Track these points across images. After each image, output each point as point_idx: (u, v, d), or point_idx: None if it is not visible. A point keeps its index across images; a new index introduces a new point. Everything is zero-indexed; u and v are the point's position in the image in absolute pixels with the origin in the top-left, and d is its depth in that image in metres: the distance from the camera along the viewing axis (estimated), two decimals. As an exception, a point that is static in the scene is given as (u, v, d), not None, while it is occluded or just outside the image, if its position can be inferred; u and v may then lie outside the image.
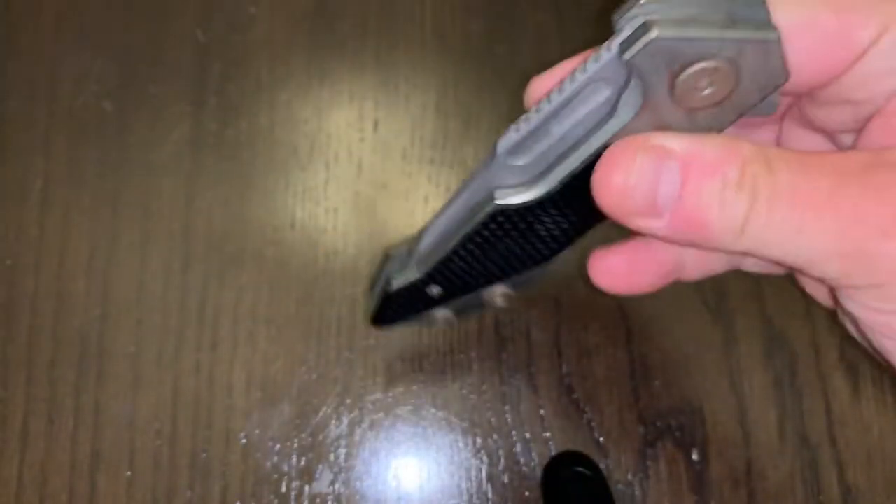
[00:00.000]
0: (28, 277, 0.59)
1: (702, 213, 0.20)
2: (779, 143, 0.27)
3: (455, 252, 0.25)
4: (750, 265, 0.28)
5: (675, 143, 0.20)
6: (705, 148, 0.20)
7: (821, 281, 0.20)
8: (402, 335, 0.58)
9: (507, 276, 0.27)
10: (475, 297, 0.29)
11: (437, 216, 0.27)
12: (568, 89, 0.22)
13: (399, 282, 0.31)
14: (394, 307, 0.32)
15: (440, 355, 0.58)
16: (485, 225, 0.24)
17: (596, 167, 0.20)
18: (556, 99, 0.22)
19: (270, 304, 0.59)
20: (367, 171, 0.62)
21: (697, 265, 0.28)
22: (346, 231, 0.61)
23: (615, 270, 0.25)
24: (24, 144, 0.62)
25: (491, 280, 0.27)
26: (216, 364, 0.58)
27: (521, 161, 0.23)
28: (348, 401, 0.58)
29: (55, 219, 0.60)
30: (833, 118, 0.23)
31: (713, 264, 0.28)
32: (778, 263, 0.21)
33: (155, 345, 0.58)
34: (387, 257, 0.33)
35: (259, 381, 0.58)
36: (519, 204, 0.23)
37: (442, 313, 0.32)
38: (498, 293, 0.29)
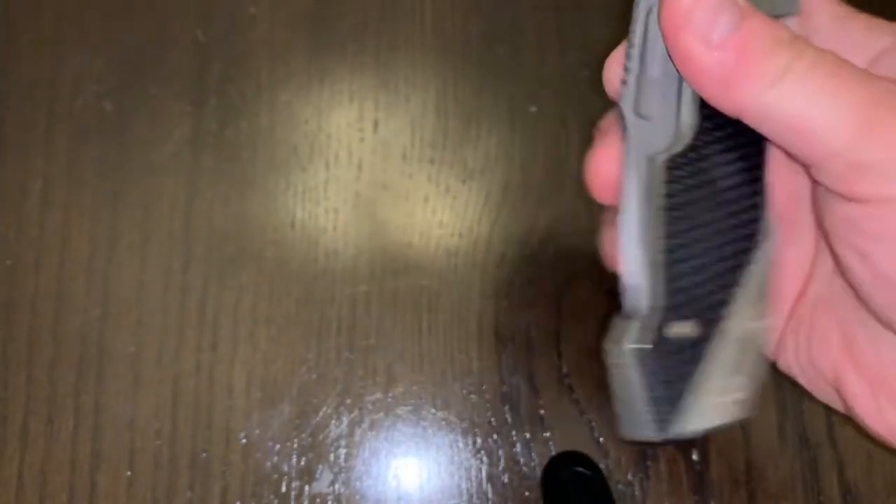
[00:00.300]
0: (28, 277, 0.59)
1: (750, 50, 0.21)
2: None
3: (668, 242, 0.22)
4: None
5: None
6: (761, 14, 0.22)
7: (814, 171, 0.21)
8: (401, 335, 0.59)
9: (737, 266, 0.23)
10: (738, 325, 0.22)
11: (622, 231, 0.23)
12: (637, 29, 0.23)
13: (634, 340, 0.22)
14: (657, 385, 0.22)
15: (440, 355, 0.58)
16: (669, 193, 0.23)
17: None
18: (636, 43, 0.23)
19: (270, 304, 0.59)
20: (368, 172, 0.62)
21: None
22: (346, 231, 0.61)
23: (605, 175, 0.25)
24: (24, 145, 0.62)
25: (727, 280, 0.23)
26: (216, 364, 0.58)
27: (652, 116, 0.23)
28: (348, 401, 0.58)
29: (55, 219, 0.61)
30: None
31: None
32: (784, 133, 0.22)
33: (155, 345, 0.58)
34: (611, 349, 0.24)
35: (259, 381, 0.58)
36: (681, 152, 0.22)
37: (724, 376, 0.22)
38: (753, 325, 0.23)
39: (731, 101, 0.22)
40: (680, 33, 0.22)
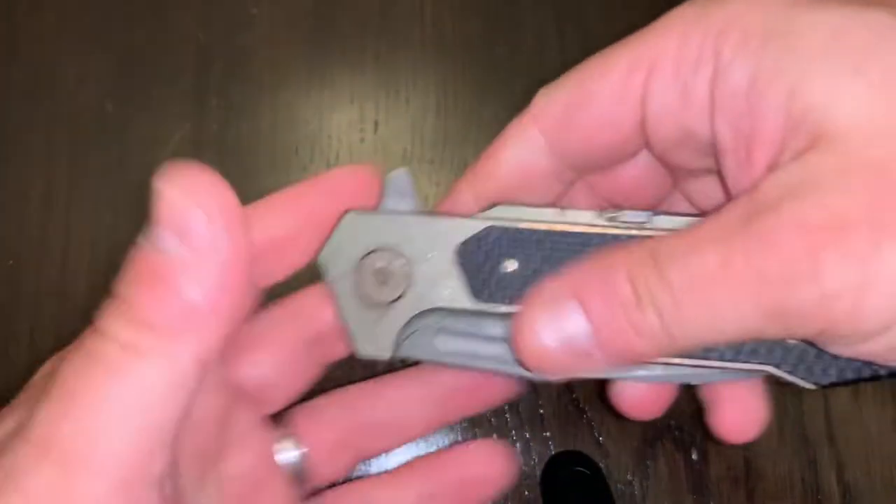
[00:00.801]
0: (30, 277, 0.60)
1: (622, 340, 0.19)
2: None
3: None
4: None
5: (562, 281, 0.20)
6: (589, 273, 0.20)
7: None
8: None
9: None
10: None
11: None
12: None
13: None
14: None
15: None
16: None
17: (512, 338, 0.21)
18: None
19: (271, 304, 0.59)
20: (368, 172, 0.62)
21: None
22: (346, 231, 0.61)
23: (642, 399, 0.25)
24: (25, 145, 0.62)
25: None
26: (217, 364, 0.58)
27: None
28: (349, 400, 0.58)
29: (57, 219, 0.61)
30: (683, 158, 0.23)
31: None
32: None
33: (156, 345, 0.58)
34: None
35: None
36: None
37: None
38: None
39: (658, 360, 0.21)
40: (567, 374, 0.21)
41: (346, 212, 0.23)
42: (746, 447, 0.58)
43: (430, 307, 0.23)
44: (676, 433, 0.58)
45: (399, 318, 0.23)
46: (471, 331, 0.24)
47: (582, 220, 0.22)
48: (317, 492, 0.25)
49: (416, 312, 0.23)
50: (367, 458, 0.25)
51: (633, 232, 0.22)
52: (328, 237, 0.23)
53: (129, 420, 0.17)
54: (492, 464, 0.25)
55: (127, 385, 0.17)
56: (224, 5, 0.65)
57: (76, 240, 0.61)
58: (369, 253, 0.23)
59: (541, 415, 0.58)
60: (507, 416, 0.58)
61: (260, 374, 0.23)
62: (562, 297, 0.20)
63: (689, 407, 0.59)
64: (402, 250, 0.23)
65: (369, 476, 0.25)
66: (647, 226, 0.22)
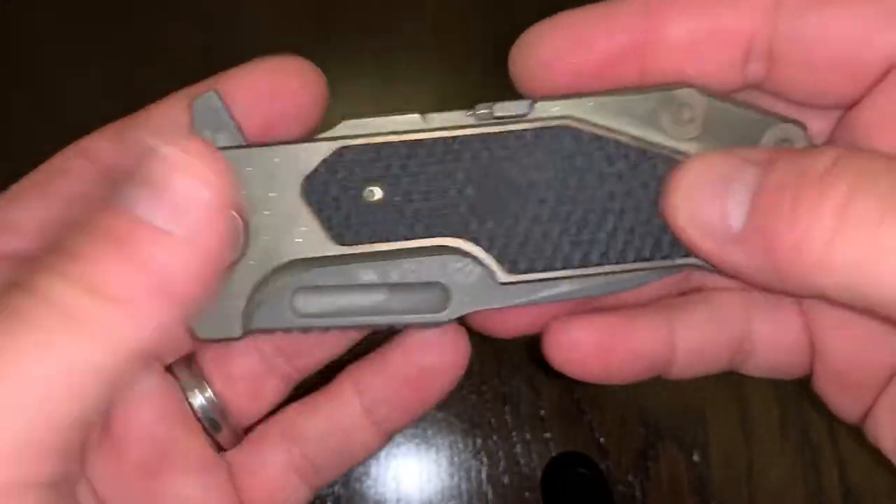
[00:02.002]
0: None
1: (773, 229, 0.16)
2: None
3: None
4: (752, 368, 0.22)
5: (754, 150, 0.17)
6: (789, 152, 0.16)
7: None
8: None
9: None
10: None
11: None
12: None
13: None
14: None
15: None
16: None
17: (665, 186, 0.18)
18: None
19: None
20: (367, 172, 0.62)
21: (689, 363, 0.21)
22: (346, 231, 0.61)
23: (580, 350, 0.20)
24: (25, 145, 0.61)
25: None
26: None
27: None
28: (348, 401, 0.58)
29: (55, 219, 0.60)
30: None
31: (709, 364, 0.22)
32: (855, 307, 0.16)
33: (155, 345, 0.58)
34: None
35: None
36: None
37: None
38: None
39: (797, 287, 0.16)
40: (685, 235, 0.17)
41: None
42: (749, 448, 0.58)
43: (280, 264, 0.18)
44: (678, 434, 0.58)
45: (242, 285, 0.18)
46: (338, 283, 0.20)
47: (450, 122, 0.19)
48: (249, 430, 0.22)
49: (264, 274, 0.18)
50: (297, 380, 0.22)
51: (511, 128, 0.18)
52: None
53: (40, 406, 0.14)
54: (441, 350, 0.21)
55: (51, 362, 0.14)
56: (223, 5, 0.65)
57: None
58: None
59: (541, 416, 0.58)
60: (508, 416, 0.58)
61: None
62: (750, 154, 0.17)
63: (690, 407, 0.59)
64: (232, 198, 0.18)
65: (299, 401, 0.22)
66: (530, 116, 0.19)
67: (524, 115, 0.19)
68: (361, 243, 0.18)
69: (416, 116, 0.19)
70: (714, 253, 0.17)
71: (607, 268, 0.19)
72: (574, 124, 0.18)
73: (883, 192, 0.14)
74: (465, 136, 0.19)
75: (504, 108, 0.19)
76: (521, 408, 0.58)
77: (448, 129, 0.19)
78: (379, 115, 0.19)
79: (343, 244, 0.18)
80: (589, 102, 0.18)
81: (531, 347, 0.60)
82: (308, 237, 0.18)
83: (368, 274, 0.20)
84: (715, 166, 0.17)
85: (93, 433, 0.19)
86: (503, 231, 0.18)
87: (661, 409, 0.58)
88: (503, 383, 0.58)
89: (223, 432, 0.21)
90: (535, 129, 0.18)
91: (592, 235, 0.18)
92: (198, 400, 0.20)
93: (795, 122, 0.18)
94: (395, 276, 0.20)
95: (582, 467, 0.57)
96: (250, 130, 0.19)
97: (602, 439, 0.58)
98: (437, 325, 0.20)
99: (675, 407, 0.58)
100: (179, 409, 0.20)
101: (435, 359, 0.21)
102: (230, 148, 0.18)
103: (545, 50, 0.19)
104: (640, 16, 0.18)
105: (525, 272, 0.19)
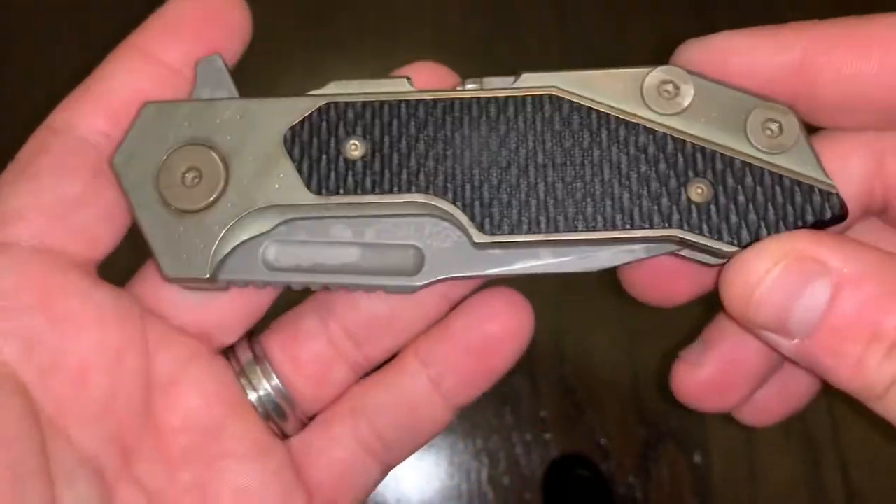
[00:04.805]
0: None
1: (833, 359, 0.16)
2: None
3: None
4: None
5: (831, 253, 0.16)
6: (870, 275, 0.16)
7: None
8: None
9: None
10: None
11: None
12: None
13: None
14: None
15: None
16: None
17: (727, 268, 0.18)
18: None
19: (270, 305, 0.59)
20: (367, 171, 0.62)
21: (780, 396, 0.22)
22: (345, 231, 0.61)
23: (700, 385, 0.21)
24: (23, 145, 0.61)
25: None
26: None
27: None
28: (348, 402, 0.58)
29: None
30: None
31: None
32: None
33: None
34: None
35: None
36: None
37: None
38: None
39: (857, 393, 0.16)
40: (744, 322, 0.17)
41: (145, 104, 0.19)
42: (750, 449, 0.58)
43: (255, 208, 0.18)
44: (679, 435, 0.58)
45: (216, 225, 0.18)
46: (311, 237, 0.20)
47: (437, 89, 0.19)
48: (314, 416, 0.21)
49: (238, 216, 0.18)
50: (366, 370, 0.21)
51: (493, 94, 0.19)
52: (124, 136, 0.19)
53: None
54: (504, 317, 0.21)
55: None
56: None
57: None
58: (176, 150, 0.19)
59: (542, 417, 0.58)
60: (508, 417, 0.58)
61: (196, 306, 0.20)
62: (820, 263, 0.16)
63: (691, 408, 0.59)
64: (217, 142, 0.19)
65: (364, 379, 0.21)
66: (517, 84, 0.19)
67: (511, 84, 0.19)
68: (339, 195, 0.19)
69: (403, 80, 0.19)
70: (770, 343, 0.17)
71: (585, 234, 0.19)
72: (557, 93, 0.19)
73: None
74: (449, 98, 0.19)
75: (492, 83, 0.19)
76: (522, 408, 0.58)
77: (432, 91, 0.19)
78: (369, 79, 0.19)
79: (320, 195, 0.19)
80: (573, 76, 0.19)
81: (531, 347, 0.60)
82: (286, 184, 0.19)
83: (343, 231, 0.20)
84: (782, 272, 0.16)
85: (135, 422, 0.19)
86: (480, 193, 0.19)
87: (661, 410, 0.58)
88: (503, 383, 0.58)
89: (288, 419, 0.21)
90: (519, 97, 0.19)
91: (571, 201, 0.18)
92: (261, 384, 0.20)
93: (782, 102, 0.18)
94: (369, 236, 0.20)
95: (582, 468, 0.57)
96: (193, 55, 0.19)
97: (603, 440, 0.58)
98: (408, 290, 0.19)
99: (676, 408, 0.58)
100: (231, 394, 0.20)
101: (498, 326, 0.21)
102: (226, 99, 0.19)
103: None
104: (803, 44, 0.18)
105: (500, 234, 0.18)
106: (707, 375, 0.21)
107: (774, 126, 0.18)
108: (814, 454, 0.59)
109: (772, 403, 0.21)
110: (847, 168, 0.18)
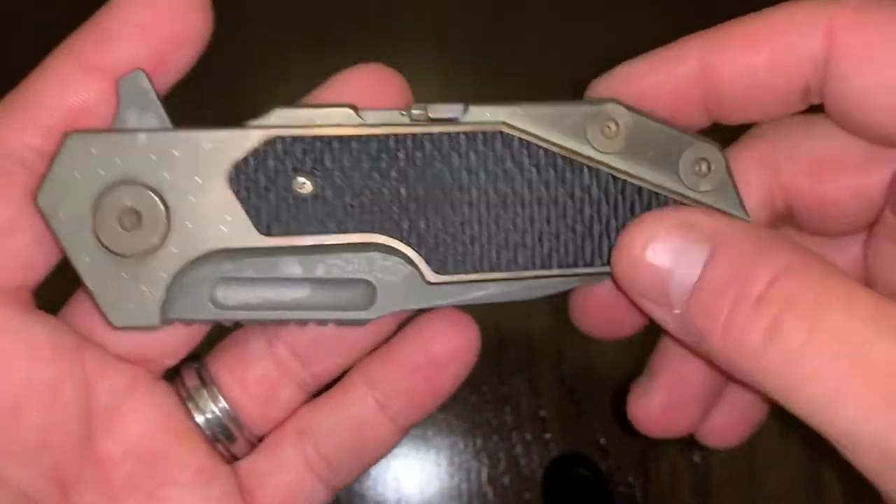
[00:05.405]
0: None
1: (711, 324, 0.16)
2: (866, 263, 0.21)
3: None
4: None
5: (705, 220, 0.17)
6: (741, 230, 0.17)
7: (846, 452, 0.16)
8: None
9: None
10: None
11: None
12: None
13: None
14: None
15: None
16: None
17: (622, 234, 0.18)
18: None
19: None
20: (367, 172, 0.62)
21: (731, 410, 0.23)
22: (345, 231, 0.61)
23: (654, 413, 0.21)
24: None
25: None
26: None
27: None
28: (348, 402, 0.58)
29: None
30: None
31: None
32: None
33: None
34: None
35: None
36: None
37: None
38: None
39: (731, 372, 0.17)
40: (632, 293, 0.18)
41: (67, 134, 0.17)
42: (749, 449, 0.58)
43: (202, 253, 0.18)
44: (678, 435, 0.58)
45: (163, 272, 0.18)
46: (261, 275, 0.19)
47: (383, 120, 0.18)
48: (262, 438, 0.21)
49: (186, 262, 0.18)
50: (314, 388, 0.21)
51: (445, 129, 0.18)
52: (46, 171, 0.17)
53: None
54: (448, 338, 0.20)
55: None
56: (223, 4, 0.65)
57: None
58: (109, 189, 0.17)
59: (542, 417, 0.58)
60: (508, 417, 0.58)
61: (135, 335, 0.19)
62: (699, 231, 0.17)
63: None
64: (153, 181, 0.17)
65: (311, 401, 0.21)
66: (462, 120, 0.18)
67: (457, 119, 0.19)
68: (289, 235, 0.18)
69: (348, 110, 0.19)
70: (658, 318, 0.18)
71: (532, 272, 0.19)
72: (506, 130, 0.18)
73: (805, 313, 0.15)
74: (400, 134, 0.18)
75: (438, 111, 0.19)
76: (522, 408, 0.58)
77: (383, 126, 0.18)
78: (311, 106, 0.19)
79: (270, 235, 0.18)
80: (520, 110, 0.19)
81: (531, 348, 0.60)
82: (233, 227, 0.18)
83: (293, 267, 0.19)
84: (659, 241, 0.17)
85: (73, 455, 0.18)
86: (433, 231, 0.19)
87: (661, 410, 0.58)
88: (503, 383, 0.58)
89: (237, 441, 0.20)
90: (469, 133, 0.18)
91: (520, 240, 0.19)
92: (207, 406, 0.20)
93: (712, 143, 0.19)
94: (320, 271, 0.19)
95: (582, 468, 0.57)
96: (140, 63, 0.18)
97: (602, 440, 0.58)
98: (359, 323, 0.19)
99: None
100: (175, 419, 0.20)
101: (442, 347, 0.20)
102: (157, 130, 0.18)
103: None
104: (697, 53, 0.19)
105: (453, 273, 0.19)
106: (658, 403, 0.21)
107: (703, 165, 0.19)
108: (813, 454, 0.59)
109: (729, 423, 0.22)
110: (748, 180, 0.19)
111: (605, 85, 0.19)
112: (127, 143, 0.18)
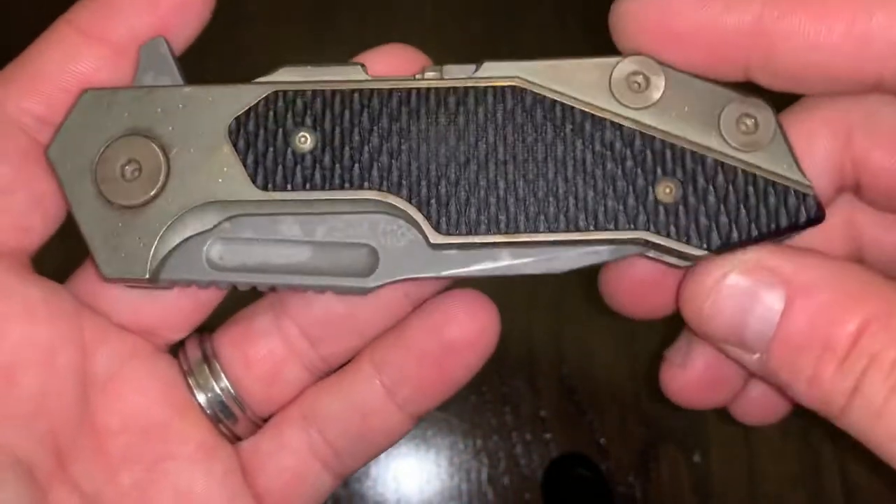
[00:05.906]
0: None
1: (787, 371, 0.16)
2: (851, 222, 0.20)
3: None
4: None
5: (784, 262, 0.16)
6: (821, 272, 0.16)
7: None
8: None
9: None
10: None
11: None
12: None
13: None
14: None
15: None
16: None
17: (684, 280, 0.17)
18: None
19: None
20: (367, 171, 0.62)
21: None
22: (345, 231, 0.61)
23: (690, 382, 0.20)
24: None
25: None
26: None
27: None
28: (348, 402, 0.58)
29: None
30: None
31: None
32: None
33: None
34: None
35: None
36: None
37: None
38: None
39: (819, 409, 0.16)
40: (707, 339, 0.17)
41: (83, 91, 0.17)
42: (749, 448, 0.58)
43: (197, 204, 0.17)
44: (679, 435, 0.58)
45: (157, 223, 0.17)
46: (258, 235, 0.18)
47: (393, 79, 0.18)
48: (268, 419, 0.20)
49: (180, 213, 0.17)
50: (324, 372, 0.20)
51: (452, 84, 0.18)
52: (60, 124, 0.17)
53: None
54: (464, 323, 0.19)
55: None
56: (222, 3, 0.65)
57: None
58: (114, 141, 0.17)
59: (542, 417, 0.58)
60: (508, 417, 0.58)
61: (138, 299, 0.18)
62: (772, 272, 0.16)
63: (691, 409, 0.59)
64: (157, 133, 0.17)
65: (317, 383, 0.20)
66: (478, 73, 0.18)
67: (472, 75, 0.18)
68: (287, 191, 0.17)
69: (358, 67, 0.18)
70: (734, 358, 0.17)
71: (546, 236, 0.17)
72: (520, 84, 0.18)
73: (888, 372, 0.15)
74: (405, 88, 0.18)
75: (451, 71, 0.18)
76: (522, 408, 0.58)
77: (388, 80, 0.18)
78: (320, 64, 0.18)
79: (265, 189, 0.17)
80: (538, 65, 0.18)
81: (531, 348, 0.60)
82: (230, 180, 0.17)
83: (292, 228, 0.19)
84: (734, 286, 0.16)
85: (70, 422, 0.18)
86: (439, 191, 0.18)
87: (661, 410, 0.58)
88: (503, 383, 0.58)
89: (239, 420, 0.20)
90: (480, 87, 0.18)
91: (533, 200, 0.17)
92: (209, 384, 0.19)
93: (758, 98, 0.17)
94: (320, 233, 0.19)
95: (582, 468, 0.57)
96: (143, 31, 0.18)
97: (602, 440, 0.58)
98: (360, 292, 0.18)
99: (676, 407, 0.58)
100: (176, 393, 0.19)
101: (456, 332, 0.19)
102: (167, 86, 0.18)
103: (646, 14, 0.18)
104: (758, 9, 0.17)
105: (456, 234, 0.17)
106: (695, 374, 0.20)
107: (750, 122, 0.17)
108: (813, 454, 0.59)
109: (767, 400, 0.21)
110: (814, 147, 0.17)
111: (638, 5, 0.18)
112: (136, 97, 0.18)
